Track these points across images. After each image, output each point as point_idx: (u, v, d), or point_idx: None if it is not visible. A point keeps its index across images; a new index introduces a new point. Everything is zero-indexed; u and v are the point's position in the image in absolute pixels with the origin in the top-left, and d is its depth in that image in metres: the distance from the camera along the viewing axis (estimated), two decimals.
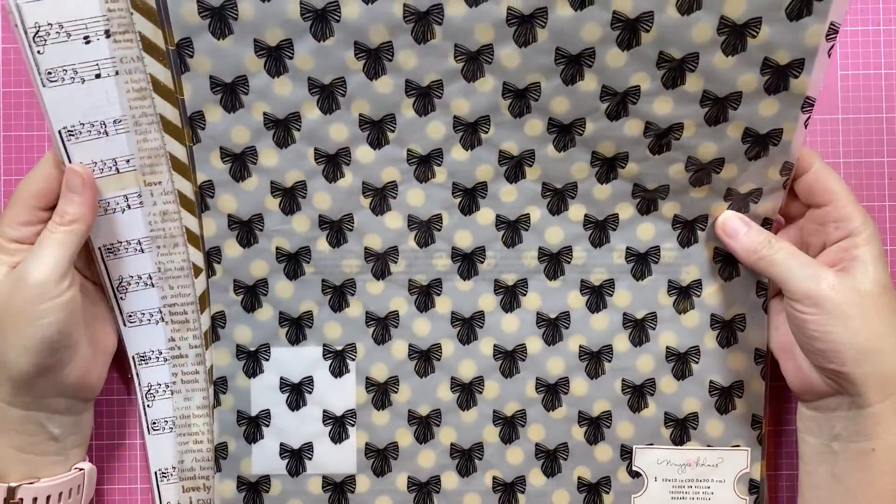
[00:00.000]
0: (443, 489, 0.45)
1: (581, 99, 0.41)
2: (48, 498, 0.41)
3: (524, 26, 0.40)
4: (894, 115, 0.47)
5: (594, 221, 0.44)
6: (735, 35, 0.39)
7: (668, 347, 0.45)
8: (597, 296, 0.45)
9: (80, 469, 0.43)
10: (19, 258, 0.40)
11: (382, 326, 0.45)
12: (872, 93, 0.47)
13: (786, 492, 0.47)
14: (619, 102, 0.41)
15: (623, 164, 0.43)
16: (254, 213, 0.44)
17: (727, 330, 0.45)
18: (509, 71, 0.41)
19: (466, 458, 0.45)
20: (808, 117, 0.41)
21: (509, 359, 0.45)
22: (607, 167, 0.43)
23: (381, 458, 0.45)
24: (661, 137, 0.42)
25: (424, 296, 0.45)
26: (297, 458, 0.45)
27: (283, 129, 0.42)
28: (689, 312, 0.45)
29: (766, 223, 0.43)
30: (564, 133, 0.42)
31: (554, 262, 0.45)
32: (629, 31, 0.40)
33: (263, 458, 0.45)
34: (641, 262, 0.44)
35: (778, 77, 0.40)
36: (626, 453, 0.45)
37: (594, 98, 0.41)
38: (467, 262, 0.44)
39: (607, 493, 0.45)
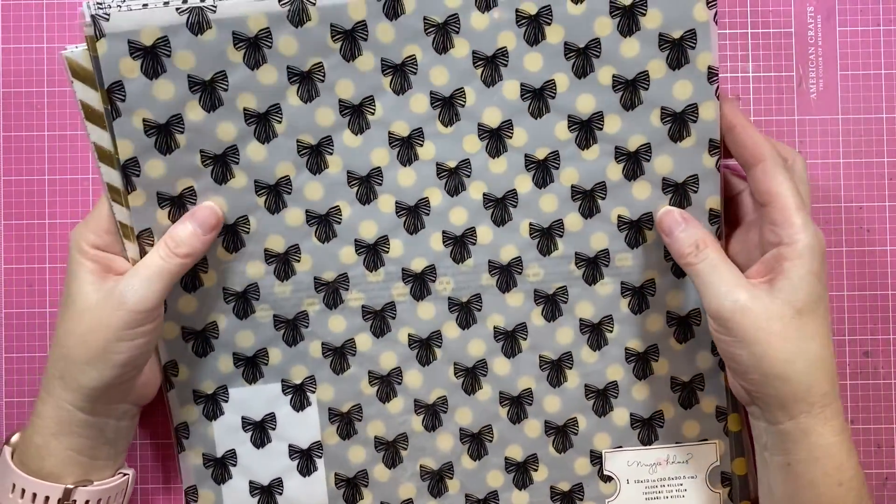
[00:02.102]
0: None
1: (504, 103, 0.41)
2: (98, 501, 0.41)
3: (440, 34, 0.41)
4: (894, 115, 0.47)
5: (539, 230, 0.44)
6: (626, 16, 0.40)
7: (626, 349, 0.45)
8: (552, 304, 0.44)
9: (125, 474, 0.43)
10: (101, 264, 0.40)
11: (340, 356, 0.44)
12: (872, 93, 0.47)
13: None
14: (539, 99, 0.41)
15: (556, 165, 0.42)
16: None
17: (684, 327, 0.44)
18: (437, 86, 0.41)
19: (437, 479, 0.45)
20: (717, 88, 0.41)
21: (471, 375, 0.45)
22: (543, 171, 0.43)
23: (351, 487, 0.45)
24: (585, 130, 0.42)
25: (380, 321, 0.44)
26: (267, 494, 0.45)
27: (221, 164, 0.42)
28: (645, 313, 0.44)
29: (713, 216, 0.43)
30: (495, 139, 0.42)
31: (506, 275, 0.44)
32: (534, 26, 0.40)
33: (234, 498, 0.45)
34: (593, 266, 0.44)
35: (677, 52, 0.40)
36: (596, 458, 0.45)
37: (517, 100, 0.41)
38: (419, 283, 0.44)
39: (581, 500, 0.45)
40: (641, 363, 0.45)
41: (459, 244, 0.44)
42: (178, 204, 0.42)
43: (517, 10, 0.40)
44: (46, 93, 0.47)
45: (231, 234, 0.43)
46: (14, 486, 0.40)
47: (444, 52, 0.41)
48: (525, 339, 0.44)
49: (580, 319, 0.44)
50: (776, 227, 0.39)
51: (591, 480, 0.45)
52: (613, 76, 0.41)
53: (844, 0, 0.47)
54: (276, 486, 0.45)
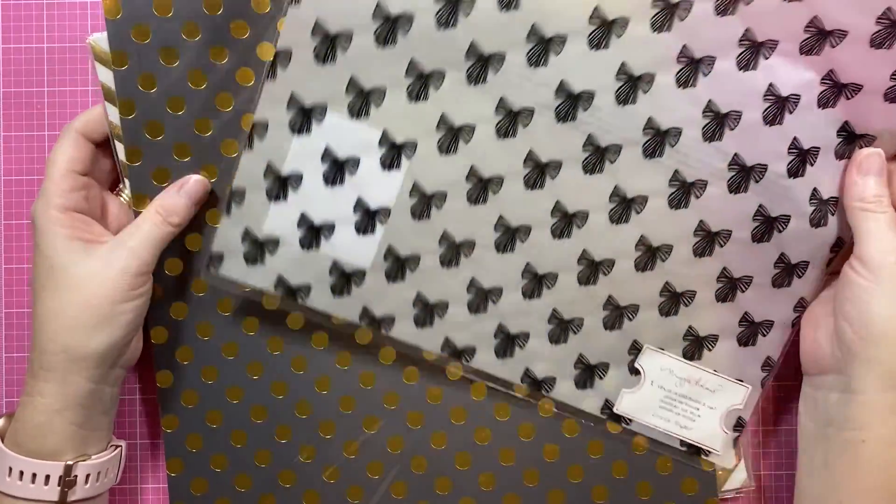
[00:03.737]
0: (447, 317, 0.43)
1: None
2: (98, 475, 0.41)
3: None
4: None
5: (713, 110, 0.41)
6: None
7: (724, 269, 0.43)
8: (686, 191, 0.42)
9: (118, 446, 0.43)
10: (77, 229, 0.40)
11: (452, 135, 0.41)
12: None
13: (786, 492, 0.48)
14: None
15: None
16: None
17: (787, 272, 0.43)
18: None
19: (482, 298, 0.43)
20: None
21: (566, 220, 0.42)
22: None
23: (399, 265, 0.43)
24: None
25: (511, 121, 0.41)
26: (314, 233, 0.42)
27: None
28: (762, 243, 0.43)
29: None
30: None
31: (658, 140, 0.41)
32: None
33: (279, 220, 0.42)
34: (744, 173, 0.42)
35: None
36: (634, 350, 0.44)
37: None
38: (569, 103, 0.41)
39: (601, 378, 0.45)
40: (728, 288, 0.43)
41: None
42: None
43: None
44: (46, 93, 0.46)
45: None
46: (11, 469, 0.39)
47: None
48: (640, 212, 0.42)
49: (700, 220, 0.42)
50: None
51: (619, 366, 0.44)
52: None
53: None
54: (326, 229, 0.42)
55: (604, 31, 0.40)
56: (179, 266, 0.44)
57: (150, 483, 0.47)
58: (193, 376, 0.45)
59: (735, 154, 0.42)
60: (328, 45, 0.40)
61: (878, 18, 0.39)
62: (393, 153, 0.41)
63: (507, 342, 0.44)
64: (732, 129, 0.41)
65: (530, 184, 0.42)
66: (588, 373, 0.45)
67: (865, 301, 0.38)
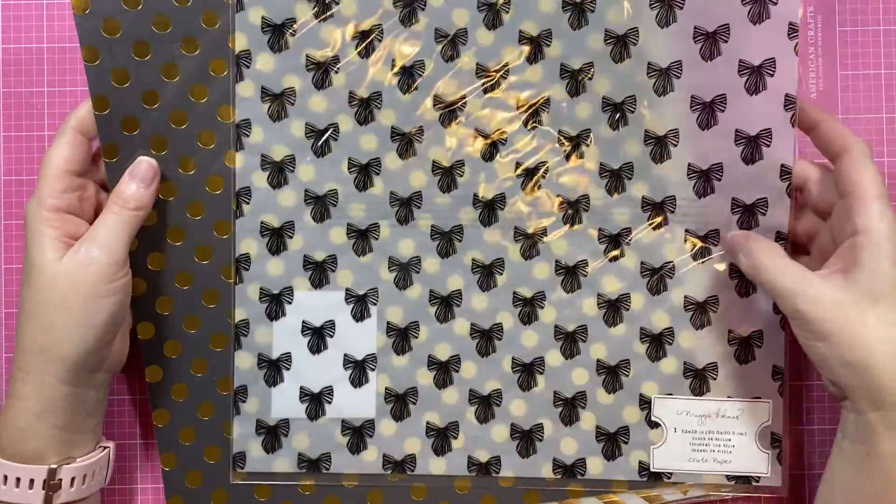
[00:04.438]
0: (462, 436, 0.45)
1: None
2: (84, 477, 0.41)
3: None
4: (894, 115, 0.47)
5: (609, 170, 0.45)
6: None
7: (686, 297, 0.45)
8: (614, 243, 0.45)
9: (105, 447, 0.43)
10: (63, 230, 0.41)
11: (404, 272, 0.45)
12: (872, 93, 0.48)
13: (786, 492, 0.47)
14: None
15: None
16: (285, 154, 0.45)
17: (745, 280, 0.45)
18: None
19: (485, 406, 0.46)
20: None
21: (529, 305, 0.45)
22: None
23: (400, 402, 0.46)
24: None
25: (446, 242, 0.45)
26: (316, 401, 0.46)
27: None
28: (706, 262, 0.45)
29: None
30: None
31: (574, 209, 0.45)
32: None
33: (283, 402, 0.46)
34: (658, 210, 0.45)
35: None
36: (644, 403, 0.45)
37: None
38: (488, 210, 0.45)
39: (626, 443, 0.45)
40: (699, 313, 0.45)
41: (489, 207, 0.45)
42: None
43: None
44: (46, 93, 0.47)
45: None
46: None
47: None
48: (585, 276, 0.45)
49: (641, 262, 0.45)
50: (853, 215, 0.39)
51: (638, 425, 0.45)
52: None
53: (844, 0, 0.47)
54: (326, 394, 0.45)
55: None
56: (162, 260, 0.44)
57: (149, 483, 0.47)
58: (182, 370, 0.45)
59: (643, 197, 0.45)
60: (278, 237, 0.45)
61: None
62: (360, 304, 0.46)
63: (526, 440, 0.45)
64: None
65: (484, 287, 0.45)
66: (612, 442, 0.45)
67: (811, 347, 0.39)
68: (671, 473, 0.45)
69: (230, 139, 0.44)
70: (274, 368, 0.46)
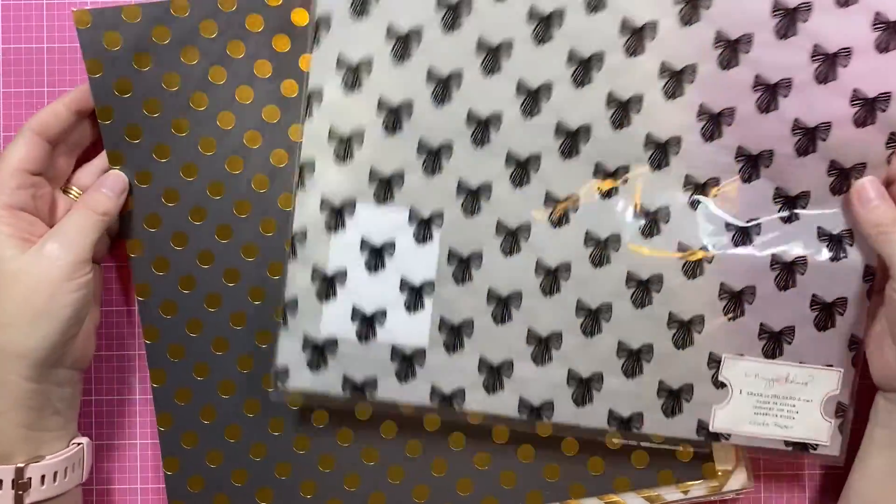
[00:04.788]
0: (515, 376, 0.44)
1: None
2: (55, 474, 0.41)
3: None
4: None
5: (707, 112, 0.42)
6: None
7: (773, 255, 0.43)
8: (701, 191, 0.43)
9: (79, 444, 0.43)
10: (18, 227, 0.40)
11: (473, 198, 0.43)
12: None
13: (786, 492, 0.47)
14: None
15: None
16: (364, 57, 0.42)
17: (836, 244, 0.42)
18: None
19: (543, 347, 0.44)
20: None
21: (601, 246, 0.43)
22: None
23: (455, 334, 0.44)
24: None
25: (521, 170, 0.43)
26: (368, 323, 0.43)
27: None
28: (796, 223, 0.43)
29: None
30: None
31: (661, 152, 0.42)
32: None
33: (333, 320, 0.43)
34: (755, 163, 0.42)
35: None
36: (713, 363, 0.43)
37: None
38: (571, 141, 0.42)
39: (688, 401, 0.43)
40: (785, 273, 0.43)
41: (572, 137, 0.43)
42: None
43: None
44: (46, 92, 0.47)
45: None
46: None
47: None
48: (667, 221, 0.43)
49: (727, 221, 0.43)
50: None
51: (703, 383, 0.43)
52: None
53: None
54: (379, 316, 0.43)
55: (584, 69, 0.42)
56: (167, 265, 0.45)
57: (150, 483, 0.47)
58: (186, 373, 0.45)
59: (738, 147, 0.42)
60: (345, 146, 0.43)
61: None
62: (423, 227, 0.43)
63: (583, 388, 0.44)
64: (730, 125, 0.42)
65: (556, 223, 0.43)
66: (674, 399, 0.43)
67: None
68: (730, 435, 0.43)
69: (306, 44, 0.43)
70: (327, 284, 0.43)
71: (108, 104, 0.44)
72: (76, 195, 0.45)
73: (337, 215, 0.43)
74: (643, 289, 0.43)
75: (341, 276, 0.43)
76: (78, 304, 0.40)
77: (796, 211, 0.43)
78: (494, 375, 0.44)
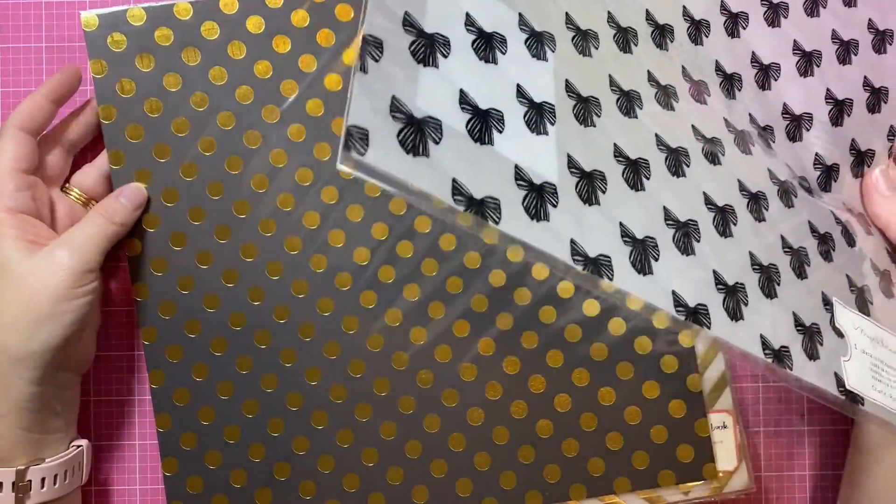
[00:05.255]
0: (662, 261, 0.34)
1: None
2: (55, 477, 0.41)
3: None
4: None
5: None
6: None
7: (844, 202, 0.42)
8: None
9: (79, 446, 0.43)
10: (23, 230, 0.40)
11: (582, 36, 0.37)
12: None
13: (786, 493, 0.47)
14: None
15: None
16: None
17: None
18: None
19: (684, 234, 0.36)
20: None
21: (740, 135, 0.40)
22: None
23: (588, 183, 0.34)
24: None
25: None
26: (483, 120, 0.31)
27: None
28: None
29: None
30: None
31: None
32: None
33: (435, 93, 0.31)
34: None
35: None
36: (827, 304, 0.38)
37: None
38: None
39: (821, 344, 0.37)
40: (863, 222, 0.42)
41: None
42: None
43: None
44: None
45: None
46: None
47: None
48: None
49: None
50: None
51: (827, 328, 0.37)
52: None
53: None
54: (495, 118, 0.32)
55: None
56: (165, 265, 0.45)
57: (149, 484, 0.47)
58: (185, 374, 0.45)
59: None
60: None
61: None
62: (535, 40, 0.35)
63: (733, 300, 0.35)
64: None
65: (663, 104, 0.38)
66: (810, 339, 0.37)
67: None
68: (864, 399, 0.36)
69: None
70: (426, 41, 0.31)
71: (110, 104, 0.44)
72: (76, 196, 0.45)
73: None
74: (755, 200, 0.38)
75: (442, 41, 0.32)
76: (83, 311, 0.40)
77: None
78: (640, 251, 0.34)
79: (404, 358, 0.45)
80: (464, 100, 0.31)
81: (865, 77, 0.42)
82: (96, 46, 0.44)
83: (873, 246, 0.41)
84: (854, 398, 0.36)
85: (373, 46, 0.29)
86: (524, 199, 0.31)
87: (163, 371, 0.45)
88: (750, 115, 0.42)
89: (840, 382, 0.36)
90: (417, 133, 0.29)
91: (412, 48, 0.30)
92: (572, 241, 0.31)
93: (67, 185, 0.45)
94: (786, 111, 0.42)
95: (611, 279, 0.32)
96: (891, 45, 0.42)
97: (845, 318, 0.38)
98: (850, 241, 0.40)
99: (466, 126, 0.31)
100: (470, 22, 0.33)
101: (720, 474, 0.44)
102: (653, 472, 0.44)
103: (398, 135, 0.29)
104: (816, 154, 0.42)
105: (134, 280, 0.45)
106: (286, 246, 0.44)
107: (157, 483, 0.47)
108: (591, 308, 0.44)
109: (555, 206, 0.32)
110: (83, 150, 0.46)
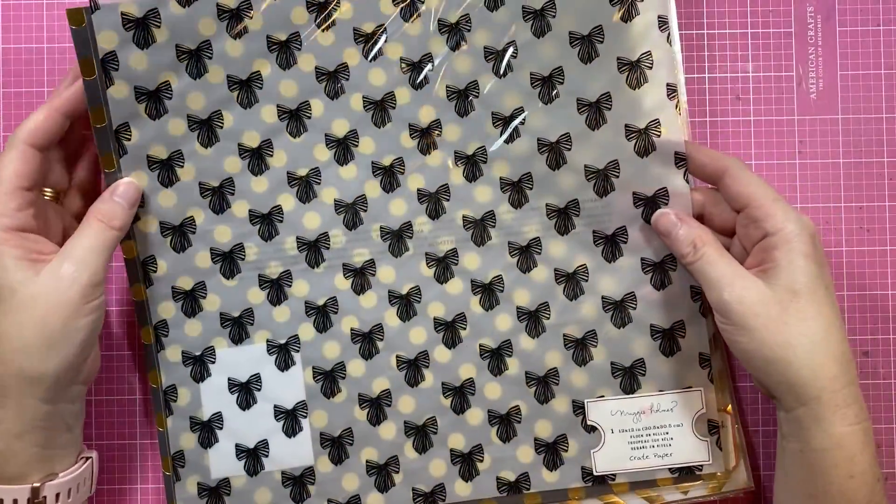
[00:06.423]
0: (402, 467, 0.45)
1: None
2: (69, 491, 0.41)
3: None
4: (894, 115, 0.47)
5: (510, 183, 0.44)
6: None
7: (603, 297, 0.44)
8: (526, 255, 0.44)
9: (88, 458, 0.43)
10: (26, 249, 0.40)
11: (322, 314, 0.45)
12: (872, 93, 0.47)
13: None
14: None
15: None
16: (184, 216, 0.44)
17: (660, 272, 0.44)
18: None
19: (422, 434, 0.45)
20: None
21: (451, 329, 0.45)
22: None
23: (336, 445, 0.45)
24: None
25: (360, 277, 0.45)
26: (253, 457, 0.45)
27: (206, 128, 0.43)
28: (619, 260, 0.44)
29: None
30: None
31: (480, 228, 0.45)
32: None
33: (221, 462, 0.45)
34: (564, 216, 0.44)
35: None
36: (578, 408, 0.45)
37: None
38: (396, 239, 0.45)
39: (565, 451, 0.45)
40: (618, 311, 0.44)
41: (434, 200, 0.44)
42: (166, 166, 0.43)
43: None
44: (46, 93, 0.47)
45: (217, 197, 0.44)
46: None
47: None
48: (502, 290, 0.45)
49: (555, 269, 0.45)
50: (759, 222, 0.40)
51: (575, 431, 0.45)
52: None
53: (844, 0, 0.47)
54: (261, 447, 0.45)
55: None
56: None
57: (150, 483, 0.48)
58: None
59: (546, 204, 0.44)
60: (192, 300, 0.45)
61: None
62: (283, 353, 0.45)
63: (467, 463, 0.45)
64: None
65: (403, 317, 0.45)
66: (552, 452, 0.45)
67: (734, 342, 0.39)
68: (614, 475, 0.45)
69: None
70: (207, 430, 0.45)
71: (100, 106, 0.43)
72: (50, 195, 0.44)
73: (199, 364, 0.45)
74: (497, 357, 0.45)
75: (217, 419, 0.45)
76: (93, 326, 0.40)
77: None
78: (384, 475, 0.45)
79: None
80: (239, 452, 0.45)
81: None
82: (84, 45, 0.42)
83: (659, 304, 0.44)
84: (602, 480, 0.45)
85: (178, 458, 0.46)
86: (291, 493, 0.46)
87: (162, 371, 0.45)
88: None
89: (586, 472, 0.45)
90: (216, 498, 0.46)
91: (200, 440, 0.45)
92: (328, 501, 0.46)
93: (44, 189, 0.44)
94: None
95: None
96: None
97: (599, 412, 0.45)
98: (622, 322, 0.45)
99: (244, 468, 0.45)
100: (231, 384, 0.45)
101: (718, 474, 0.45)
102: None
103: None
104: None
105: (131, 281, 0.45)
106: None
107: (157, 482, 0.48)
108: None
109: (313, 483, 0.45)
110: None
